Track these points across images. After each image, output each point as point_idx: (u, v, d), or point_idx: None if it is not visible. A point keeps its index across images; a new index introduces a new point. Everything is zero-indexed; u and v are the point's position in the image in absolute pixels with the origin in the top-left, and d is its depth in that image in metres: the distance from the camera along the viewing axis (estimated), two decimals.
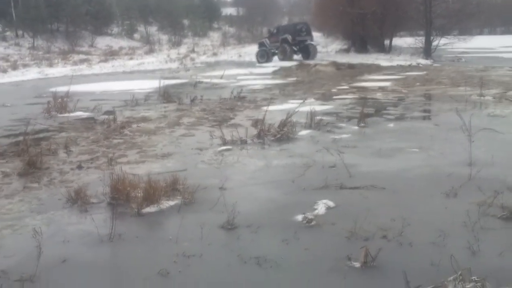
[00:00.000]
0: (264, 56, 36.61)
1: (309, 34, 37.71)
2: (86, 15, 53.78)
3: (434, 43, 35.49)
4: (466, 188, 6.42)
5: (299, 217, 5.62)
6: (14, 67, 33.21)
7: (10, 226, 5.71)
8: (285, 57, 35.54)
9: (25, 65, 34.73)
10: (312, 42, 38.03)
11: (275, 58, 36.58)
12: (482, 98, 14.08)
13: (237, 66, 33.82)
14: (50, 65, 35.48)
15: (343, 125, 11.22)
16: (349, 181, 6.90)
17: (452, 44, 35.43)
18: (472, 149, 7.54)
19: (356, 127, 10.87)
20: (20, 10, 48.25)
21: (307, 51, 36.95)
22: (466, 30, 41.19)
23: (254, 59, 37.42)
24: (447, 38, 35.48)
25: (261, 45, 38.13)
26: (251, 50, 44.70)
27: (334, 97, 16.06)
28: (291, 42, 36.40)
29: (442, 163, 7.77)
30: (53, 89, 16.99)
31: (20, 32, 48.53)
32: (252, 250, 4.91)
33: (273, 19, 76.06)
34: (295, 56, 36.92)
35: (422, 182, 6.92)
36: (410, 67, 28.53)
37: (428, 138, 9.55)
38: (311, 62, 32.57)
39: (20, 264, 4.77)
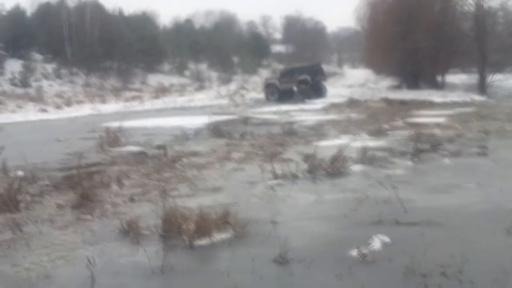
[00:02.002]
0: (274, 94, 37.07)
1: (323, 74, 39.57)
2: (138, 53, 55.03)
3: (489, 79, 34.77)
4: None
5: (353, 252, 5.46)
6: (68, 103, 34.00)
7: (64, 256, 5.74)
8: (305, 97, 35.72)
9: (78, 102, 35.55)
10: (324, 82, 39.53)
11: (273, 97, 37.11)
12: None
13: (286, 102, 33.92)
14: (103, 101, 36.27)
15: (396, 160, 10.99)
16: (404, 216, 6.71)
17: (507, 80, 34.65)
18: None
19: (410, 163, 10.64)
20: (75, 49, 49.81)
21: (320, 90, 37.92)
22: None
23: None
24: (502, 73, 34.72)
25: (268, 86, 38.34)
26: None
27: (387, 132, 15.83)
28: (310, 82, 36.97)
29: (502, 199, 7.49)
30: (105, 124, 17.36)
31: (74, 70, 49.90)
32: (306, 285, 4.79)
33: (322, 55, 76.19)
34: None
35: (480, 218, 6.67)
36: (465, 103, 28.00)
37: (486, 174, 9.26)
38: (359, 98, 32.53)
39: None
